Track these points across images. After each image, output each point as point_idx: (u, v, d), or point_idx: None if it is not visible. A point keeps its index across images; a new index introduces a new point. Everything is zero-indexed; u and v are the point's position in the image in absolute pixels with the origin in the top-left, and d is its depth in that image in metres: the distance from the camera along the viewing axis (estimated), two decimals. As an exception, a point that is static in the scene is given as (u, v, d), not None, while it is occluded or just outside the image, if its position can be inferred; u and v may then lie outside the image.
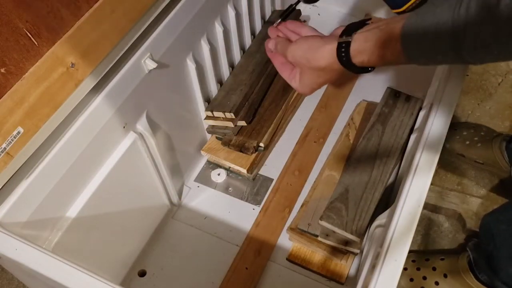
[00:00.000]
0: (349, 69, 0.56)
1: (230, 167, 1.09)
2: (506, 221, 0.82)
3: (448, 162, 1.12)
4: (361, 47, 0.54)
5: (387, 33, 0.51)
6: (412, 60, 0.49)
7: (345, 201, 0.91)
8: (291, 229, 0.97)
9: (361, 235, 0.87)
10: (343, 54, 0.55)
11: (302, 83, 0.64)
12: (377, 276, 0.55)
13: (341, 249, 0.93)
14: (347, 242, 0.91)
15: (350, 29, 0.56)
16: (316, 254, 0.96)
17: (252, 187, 1.08)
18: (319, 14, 1.34)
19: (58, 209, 0.72)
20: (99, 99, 0.72)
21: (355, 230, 0.87)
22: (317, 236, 0.93)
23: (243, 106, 1.03)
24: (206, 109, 1.03)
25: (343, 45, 0.55)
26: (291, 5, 0.67)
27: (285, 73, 0.66)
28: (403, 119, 1.02)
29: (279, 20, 0.68)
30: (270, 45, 0.68)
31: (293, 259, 0.97)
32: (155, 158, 0.90)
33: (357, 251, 0.91)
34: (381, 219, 0.75)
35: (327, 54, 0.57)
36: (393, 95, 1.08)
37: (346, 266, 0.94)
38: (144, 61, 0.78)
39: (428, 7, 0.46)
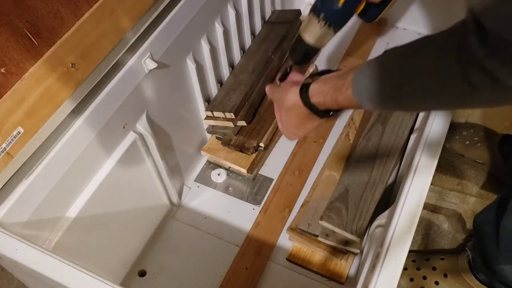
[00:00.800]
0: (310, 110, 0.60)
1: (230, 167, 1.09)
2: (489, 222, 0.82)
3: (448, 162, 1.12)
4: (319, 88, 0.58)
5: (342, 78, 0.55)
6: (363, 106, 0.52)
7: (345, 201, 0.91)
8: (291, 229, 0.97)
9: (361, 235, 0.87)
10: (304, 94, 0.60)
11: (282, 124, 0.68)
12: (377, 276, 0.55)
13: (341, 249, 0.93)
14: (347, 242, 0.91)
15: (315, 74, 0.61)
16: (316, 254, 0.96)
17: (252, 187, 1.08)
18: (319, 14, 1.34)
19: (58, 209, 0.72)
20: (99, 99, 0.72)
21: (355, 230, 0.87)
22: (317, 236, 0.93)
23: (243, 106, 1.03)
24: (206, 109, 1.03)
25: (305, 85, 0.60)
26: (287, 68, 0.69)
27: (277, 116, 0.70)
28: (403, 119, 1.02)
29: (279, 83, 0.71)
30: (266, 89, 0.72)
31: (293, 259, 0.97)
32: (155, 158, 0.91)
33: (357, 251, 0.91)
34: (381, 219, 0.75)
35: (293, 94, 0.62)
36: (393, 95, 1.08)
37: (346, 266, 0.94)
38: (144, 61, 0.78)
39: (377, 57, 0.49)
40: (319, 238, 0.92)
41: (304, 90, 0.60)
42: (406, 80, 0.45)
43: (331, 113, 0.60)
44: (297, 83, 0.63)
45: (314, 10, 0.64)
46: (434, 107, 0.48)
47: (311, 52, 0.66)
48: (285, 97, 0.63)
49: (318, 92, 0.58)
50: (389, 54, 0.48)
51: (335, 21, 0.62)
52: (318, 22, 0.63)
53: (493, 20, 0.32)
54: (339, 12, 0.61)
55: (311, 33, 0.65)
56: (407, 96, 0.46)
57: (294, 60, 0.69)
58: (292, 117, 0.64)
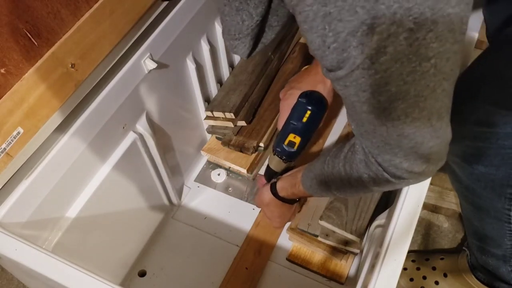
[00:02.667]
0: (282, 200, 0.81)
1: (230, 167, 1.09)
2: (466, 218, 0.83)
3: (448, 162, 1.12)
4: (282, 186, 0.80)
5: (294, 178, 0.75)
6: (313, 195, 0.73)
7: (344, 201, 0.90)
8: (291, 229, 0.97)
9: (361, 235, 0.87)
10: (273, 191, 0.81)
11: (268, 218, 0.89)
12: (377, 276, 0.55)
13: (341, 249, 0.93)
14: (347, 242, 0.91)
15: (282, 173, 0.82)
16: (316, 254, 0.96)
17: (252, 187, 1.08)
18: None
19: (58, 209, 0.72)
20: (98, 100, 0.72)
21: (354, 230, 0.87)
22: (317, 236, 0.93)
23: (243, 106, 1.03)
24: (206, 109, 1.04)
25: (273, 184, 0.81)
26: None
27: (264, 213, 0.90)
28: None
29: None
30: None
31: (293, 259, 0.96)
32: (155, 158, 0.91)
33: (357, 251, 0.91)
34: (380, 219, 0.75)
35: (266, 191, 0.83)
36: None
37: (346, 266, 0.94)
38: (144, 61, 0.78)
39: (314, 162, 0.68)
40: (319, 238, 0.92)
41: (273, 187, 0.81)
42: (332, 183, 0.64)
43: (298, 200, 0.82)
44: (267, 184, 0.86)
45: (275, 152, 0.80)
46: (353, 196, 0.75)
47: (277, 174, 0.85)
48: (262, 197, 0.84)
49: (282, 188, 0.79)
50: (323, 161, 0.64)
51: (292, 159, 0.80)
52: (281, 159, 0.81)
53: (382, 160, 0.52)
54: (295, 152, 0.78)
55: (276, 165, 0.83)
56: (336, 193, 0.65)
57: (266, 179, 0.89)
58: (273, 209, 0.85)
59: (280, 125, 0.82)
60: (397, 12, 0.38)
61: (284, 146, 0.77)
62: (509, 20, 0.61)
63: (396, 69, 0.41)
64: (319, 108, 0.74)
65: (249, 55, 0.60)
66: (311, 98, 0.74)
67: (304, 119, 0.74)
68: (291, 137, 0.76)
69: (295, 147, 0.76)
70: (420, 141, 0.47)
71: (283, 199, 0.81)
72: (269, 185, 0.83)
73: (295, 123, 0.75)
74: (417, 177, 0.53)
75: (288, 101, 0.81)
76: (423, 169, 0.51)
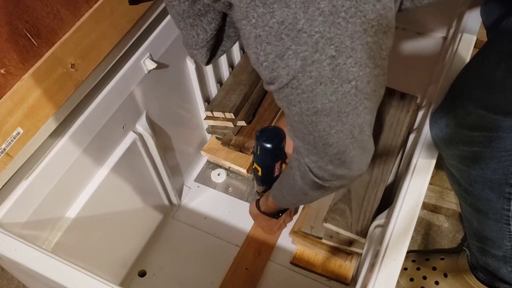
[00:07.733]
0: (265, 214, 0.89)
1: (230, 167, 1.09)
2: (466, 219, 0.83)
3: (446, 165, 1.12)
4: (262, 201, 0.88)
5: (268, 195, 0.83)
6: (280, 206, 0.82)
7: (348, 202, 0.90)
8: (294, 232, 0.96)
9: (366, 235, 0.86)
10: (258, 206, 0.89)
11: (259, 227, 0.98)
12: (376, 275, 0.55)
13: (345, 250, 0.92)
14: (351, 243, 0.90)
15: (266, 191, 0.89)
16: (319, 256, 0.96)
17: (252, 187, 1.08)
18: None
19: (57, 209, 0.72)
20: (98, 100, 0.72)
21: (360, 230, 0.86)
22: (320, 238, 0.92)
23: (242, 106, 1.03)
24: (206, 109, 1.04)
25: (257, 200, 0.90)
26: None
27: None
28: (399, 117, 1.02)
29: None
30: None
31: (297, 262, 0.96)
32: (154, 158, 0.91)
33: (361, 251, 0.91)
34: (380, 219, 0.75)
35: (253, 207, 0.91)
36: (388, 93, 1.07)
37: (351, 266, 0.93)
38: (144, 61, 0.78)
39: (278, 180, 0.76)
40: (323, 240, 0.92)
41: (257, 203, 0.89)
42: (283, 187, 0.72)
43: (280, 214, 0.90)
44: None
45: (256, 181, 0.91)
46: (302, 202, 0.85)
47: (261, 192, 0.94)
48: (251, 210, 0.92)
49: (262, 203, 0.88)
50: (281, 178, 0.73)
51: (262, 183, 0.89)
52: (256, 182, 0.91)
53: (309, 161, 0.58)
54: (262, 178, 0.87)
55: (256, 187, 0.93)
56: (288, 198, 0.72)
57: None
58: (260, 221, 0.93)
59: None
60: (319, 41, 0.42)
61: (253, 170, 0.87)
62: (499, 20, 0.61)
63: (320, 90, 0.46)
64: (269, 144, 0.80)
65: (209, 62, 0.64)
66: (262, 134, 0.81)
67: (258, 152, 0.82)
68: (255, 164, 0.85)
69: (259, 173, 0.85)
70: (343, 149, 0.53)
71: (264, 213, 0.88)
72: (255, 200, 0.91)
73: (254, 154, 0.85)
74: (341, 180, 0.58)
75: None
76: (344, 174, 0.57)
